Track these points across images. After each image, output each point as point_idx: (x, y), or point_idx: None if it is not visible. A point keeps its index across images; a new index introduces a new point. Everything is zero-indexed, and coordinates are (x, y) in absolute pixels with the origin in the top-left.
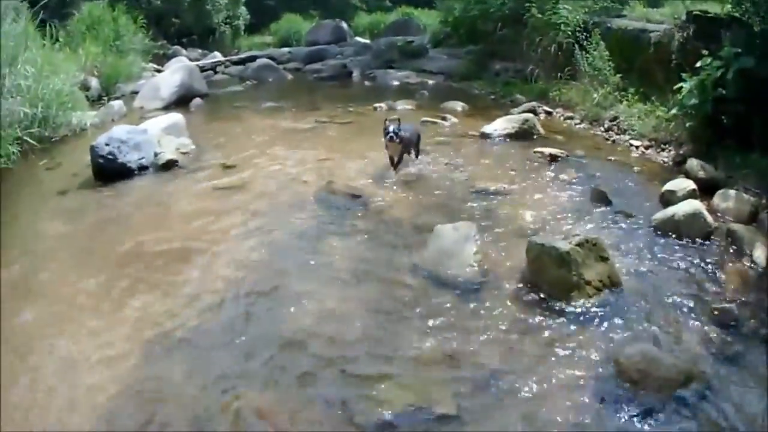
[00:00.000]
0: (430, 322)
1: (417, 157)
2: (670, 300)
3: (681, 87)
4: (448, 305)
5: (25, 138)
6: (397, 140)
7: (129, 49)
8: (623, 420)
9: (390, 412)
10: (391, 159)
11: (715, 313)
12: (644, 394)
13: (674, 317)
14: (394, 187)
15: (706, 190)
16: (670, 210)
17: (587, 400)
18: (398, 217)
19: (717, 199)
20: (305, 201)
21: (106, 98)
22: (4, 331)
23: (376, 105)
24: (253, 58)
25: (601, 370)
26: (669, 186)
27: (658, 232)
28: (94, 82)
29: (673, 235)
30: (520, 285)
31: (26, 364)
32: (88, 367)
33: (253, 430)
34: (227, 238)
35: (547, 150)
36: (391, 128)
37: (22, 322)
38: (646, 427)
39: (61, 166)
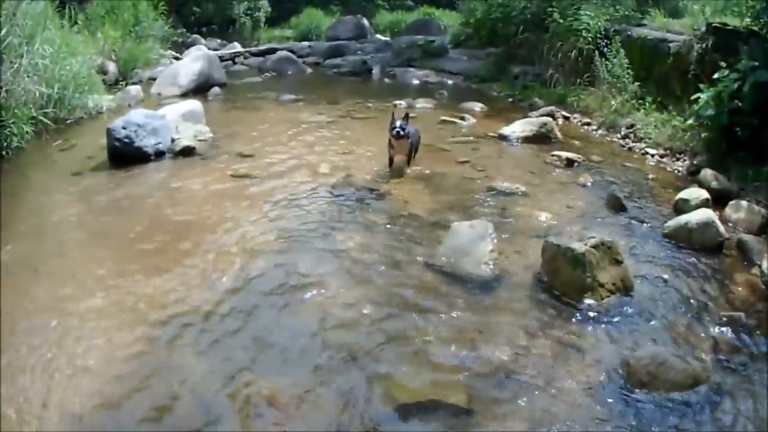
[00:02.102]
0: (444, 317)
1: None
2: (680, 306)
3: (698, 97)
4: (461, 301)
5: (40, 118)
6: (405, 136)
7: (148, 35)
8: (632, 421)
9: (401, 403)
10: (391, 159)
11: (724, 320)
12: (653, 396)
13: (684, 323)
14: (411, 183)
15: (718, 200)
16: (683, 218)
17: (597, 400)
18: (414, 212)
19: (729, 210)
20: (322, 192)
21: (123, 83)
22: (10, 307)
23: (396, 102)
24: (272, 51)
25: (611, 371)
26: (683, 194)
27: (671, 240)
28: (111, 67)
29: (686, 243)
30: (535, 284)
31: (28, 341)
32: (91, 348)
33: (263, 417)
34: (242, 225)
35: (564, 154)
36: (398, 123)
37: (28, 299)
38: (654, 428)
39: (75, 147)
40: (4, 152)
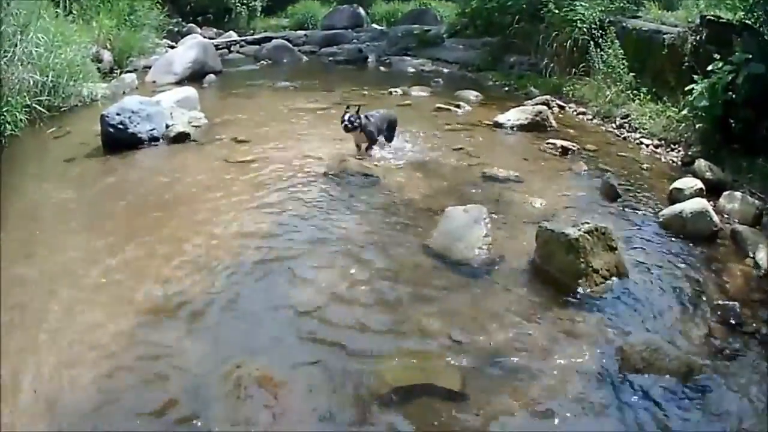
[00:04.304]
0: (437, 301)
1: (390, 141)
2: (674, 294)
3: (692, 89)
4: (455, 285)
5: (34, 106)
6: (354, 128)
7: (143, 24)
8: (626, 406)
9: (393, 386)
10: (358, 146)
11: (717, 310)
12: (647, 382)
13: (678, 311)
14: (406, 169)
15: (712, 191)
16: (678, 207)
17: (592, 386)
18: (409, 197)
19: (723, 200)
20: (317, 178)
21: (118, 71)
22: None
23: (391, 90)
24: (268, 39)
25: (606, 356)
26: (677, 184)
27: (665, 228)
28: (106, 55)
29: (680, 232)
30: (529, 269)
31: (24, 325)
32: (85, 329)
33: (253, 398)
34: (236, 209)
35: (559, 142)
36: (346, 117)
37: (22, 284)
38: (648, 414)
39: (69, 134)
40: None
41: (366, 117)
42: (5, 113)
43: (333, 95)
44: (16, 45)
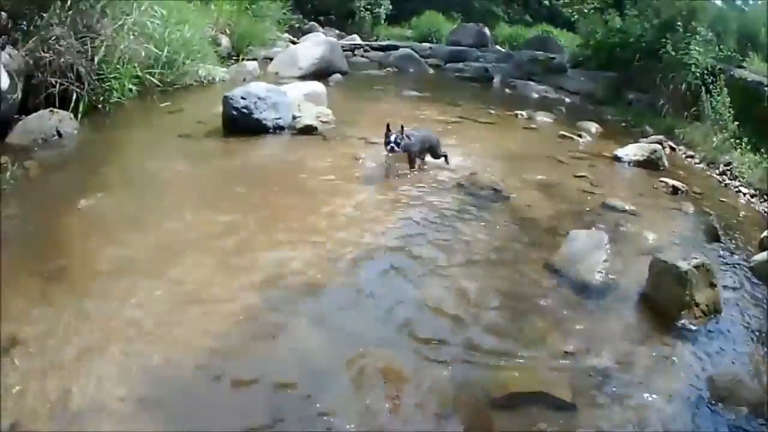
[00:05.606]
0: (556, 317)
1: (447, 162)
2: (758, 334)
3: None
4: (573, 303)
5: (145, 77)
6: (398, 150)
7: (265, 16)
8: (710, 429)
9: (511, 391)
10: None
11: None
12: (729, 411)
13: (761, 349)
14: (533, 189)
15: None
16: (766, 255)
17: (683, 410)
18: (534, 216)
19: None
20: (446, 186)
21: (236, 58)
22: (111, 260)
23: (517, 112)
24: (394, 47)
25: (697, 384)
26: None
27: (754, 273)
28: (224, 40)
29: (767, 278)
30: (639, 296)
31: (137, 296)
32: (201, 309)
33: (376, 389)
34: (361, 204)
35: (671, 181)
36: (392, 137)
37: (129, 254)
38: None
39: (183, 112)
40: (101, 105)
41: (407, 136)
42: (112, 80)
43: (460, 110)
44: (128, 14)
